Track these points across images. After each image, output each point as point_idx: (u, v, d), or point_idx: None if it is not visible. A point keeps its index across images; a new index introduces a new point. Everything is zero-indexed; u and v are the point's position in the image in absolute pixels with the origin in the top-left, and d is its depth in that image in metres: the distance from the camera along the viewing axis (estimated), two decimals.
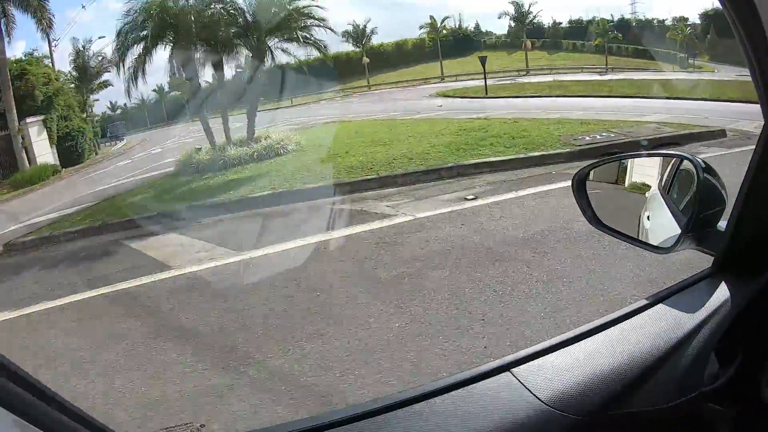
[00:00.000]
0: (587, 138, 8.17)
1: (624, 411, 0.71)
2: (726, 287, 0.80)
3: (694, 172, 0.85)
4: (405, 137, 10.12)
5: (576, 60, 29.67)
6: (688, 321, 0.77)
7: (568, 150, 7.62)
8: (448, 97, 22.12)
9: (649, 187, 0.98)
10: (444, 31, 37.81)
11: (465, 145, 8.59)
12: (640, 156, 1.07)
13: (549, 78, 24.92)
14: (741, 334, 0.78)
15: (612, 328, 0.79)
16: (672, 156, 0.98)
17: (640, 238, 0.96)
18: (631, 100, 15.10)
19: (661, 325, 0.78)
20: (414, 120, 13.51)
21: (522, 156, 7.63)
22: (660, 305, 0.81)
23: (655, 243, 0.93)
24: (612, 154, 1.13)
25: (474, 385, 0.71)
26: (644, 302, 0.83)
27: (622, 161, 1.05)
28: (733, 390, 0.77)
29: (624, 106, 13.11)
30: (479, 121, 10.99)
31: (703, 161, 0.86)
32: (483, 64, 21.15)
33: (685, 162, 0.90)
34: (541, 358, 0.75)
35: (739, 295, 0.78)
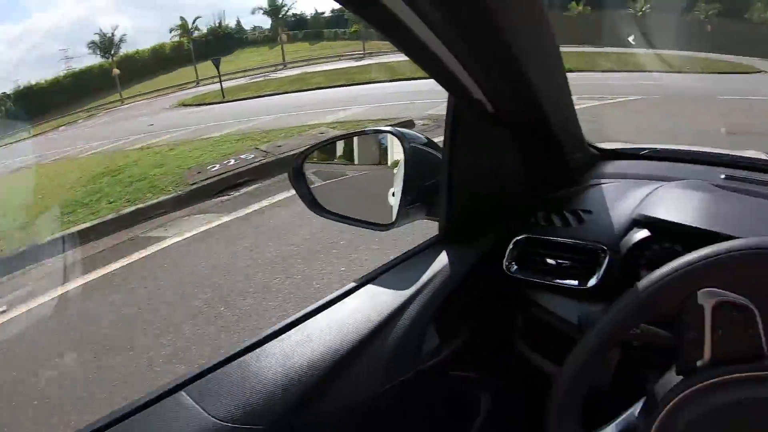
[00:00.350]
0: (217, 167, 6.51)
1: (322, 409, 0.66)
2: (446, 256, 0.80)
3: (403, 144, 0.85)
4: (21, 204, 7.50)
5: (335, 48, 29.73)
6: (401, 295, 0.75)
7: (174, 195, 5.84)
8: (187, 106, 19.88)
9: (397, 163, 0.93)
10: (196, 33, 35.41)
11: (63, 208, 6.41)
12: (352, 135, 1.01)
13: (299, 71, 24.12)
14: (463, 303, 0.80)
15: (315, 317, 0.74)
16: (377, 132, 0.96)
17: (364, 219, 0.91)
18: (361, 88, 14.87)
19: (374, 303, 0.75)
20: (84, 158, 11.29)
21: (112, 217, 5.65)
22: (372, 284, 0.79)
23: (391, 219, 0.86)
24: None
25: (149, 409, 0.65)
26: (358, 282, 0.79)
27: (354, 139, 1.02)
28: (461, 360, 0.78)
29: (337, 99, 12.46)
30: (134, 154, 9.00)
31: (412, 132, 0.88)
32: (217, 67, 19.34)
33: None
34: (215, 372, 0.69)
35: (457, 264, 0.79)
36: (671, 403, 0.45)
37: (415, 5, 0.46)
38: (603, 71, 14.07)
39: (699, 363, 0.45)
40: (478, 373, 0.83)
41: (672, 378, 0.48)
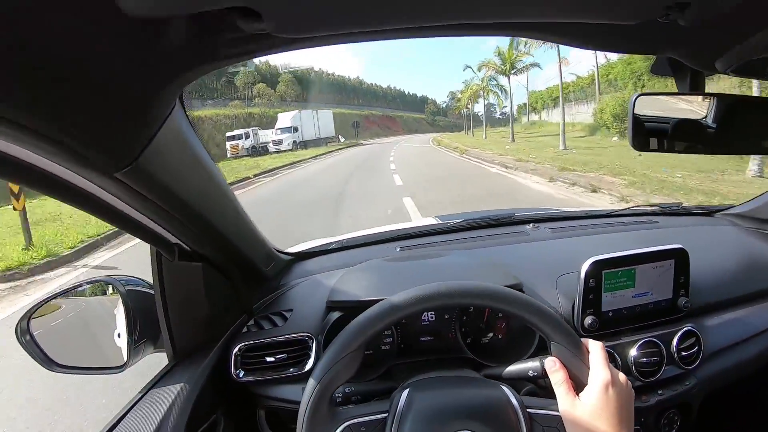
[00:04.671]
0: None
1: None
2: (181, 379, 0.85)
3: (118, 289, 0.89)
4: None
5: None
6: (151, 426, 0.77)
7: None
8: None
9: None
10: None
11: None
12: (71, 290, 0.96)
13: None
14: (207, 416, 0.87)
15: None
16: (93, 282, 0.96)
17: (97, 366, 0.92)
18: None
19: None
20: None
21: None
22: (123, 423, 0.79)
23: (123, 360, 0.88)
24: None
25: None
26: (110, 425, 0.79)
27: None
28: None
29: None
30: None
31: (126, 276, 0.93)
32: None
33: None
34: None
35: (192, 383, 0.84)
36: None
37: (112, 188, 0.56)
38: None
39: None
40: None
41: None
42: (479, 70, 29.58)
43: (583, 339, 0.69)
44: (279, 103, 50.00)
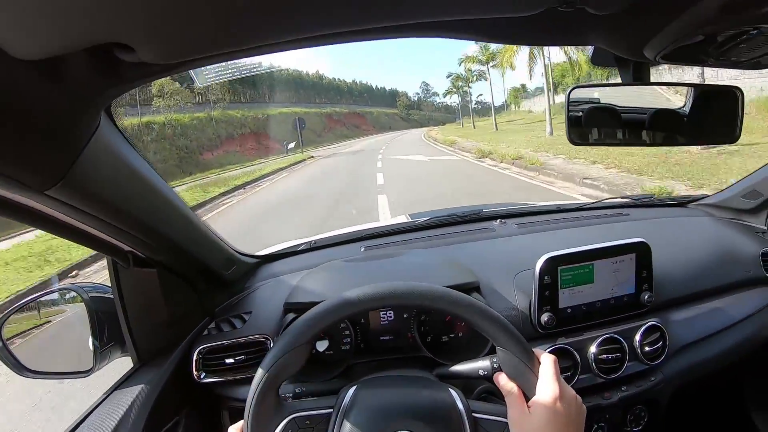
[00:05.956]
0: None
1: None
2: (143, 382, 0.88)
3: (82, 297, 0.92)
4: None
5: None
6: (110, 426, 0.80)
7: None
8: None
9: None
10: None
11: None
12: (40, 297, 0.98)
13: None
14: (168, 418, 0.90)
15: None
16: (62, 290, 0.98)
17: (68, 370, 0.94)
18: None
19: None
20: None
21: None
22: (84, 426, 0.82)
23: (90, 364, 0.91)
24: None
25: None
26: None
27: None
28: None
29: None
30: None
31: (92, 283, 0.95)
32: None
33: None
34: None
35: (154, 386, 0.88)
36: None
37: (49, 203, 0.59)
38: None
39: None
40: None
41: None
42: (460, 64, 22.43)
43: (536, 350, 0.68)
44: (195, 107, 33.29)
